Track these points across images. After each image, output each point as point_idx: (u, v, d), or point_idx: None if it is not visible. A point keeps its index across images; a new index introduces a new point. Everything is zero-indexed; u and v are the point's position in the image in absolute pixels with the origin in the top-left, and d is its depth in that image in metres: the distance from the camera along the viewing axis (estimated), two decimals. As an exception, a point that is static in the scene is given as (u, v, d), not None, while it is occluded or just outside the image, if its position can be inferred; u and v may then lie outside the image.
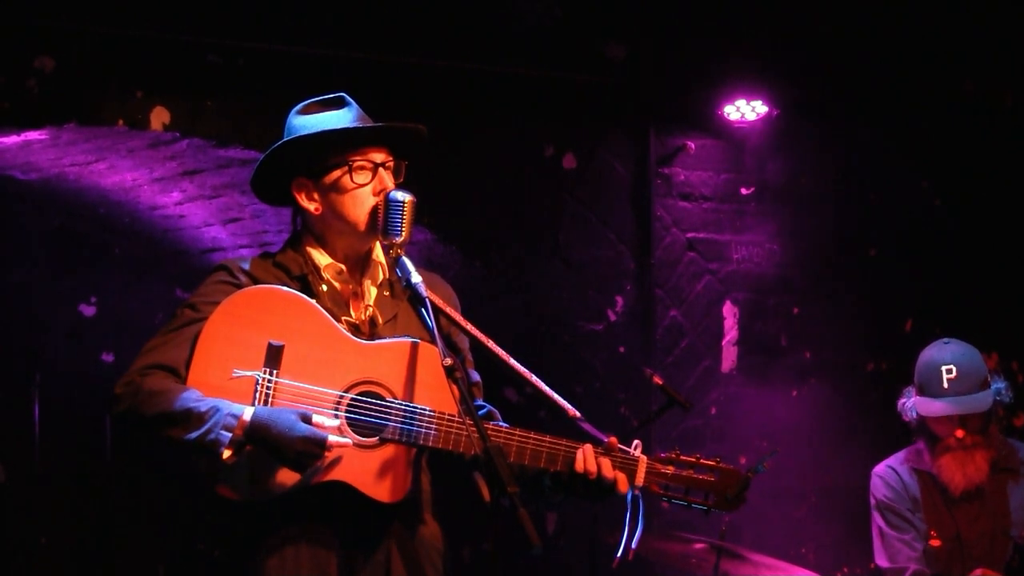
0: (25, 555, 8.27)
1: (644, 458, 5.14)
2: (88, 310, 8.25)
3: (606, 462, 5.10)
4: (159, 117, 6.88)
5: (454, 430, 5.10)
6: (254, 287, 5.15)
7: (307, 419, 4.88)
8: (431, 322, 5.02)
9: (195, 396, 4.95)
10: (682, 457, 5.17)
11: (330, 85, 6.02)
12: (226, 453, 4.83)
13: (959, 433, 6.88)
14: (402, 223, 5.09)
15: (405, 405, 5.07)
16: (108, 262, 8.17)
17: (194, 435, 4.89)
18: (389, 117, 5.23)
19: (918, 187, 8.42)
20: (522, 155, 7.75)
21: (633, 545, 5.12)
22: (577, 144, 7.89)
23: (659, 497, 5.14)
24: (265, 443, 4.87)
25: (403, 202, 5.08)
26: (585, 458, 5.07)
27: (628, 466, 5.12)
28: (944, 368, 6.85)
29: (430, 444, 5.08)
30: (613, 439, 5.09)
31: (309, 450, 4.86)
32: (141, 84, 6.87)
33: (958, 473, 6.89)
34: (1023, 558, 6.53)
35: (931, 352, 6.95)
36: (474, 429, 4.89)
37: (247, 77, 6.94)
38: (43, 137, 6.91)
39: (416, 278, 5.11)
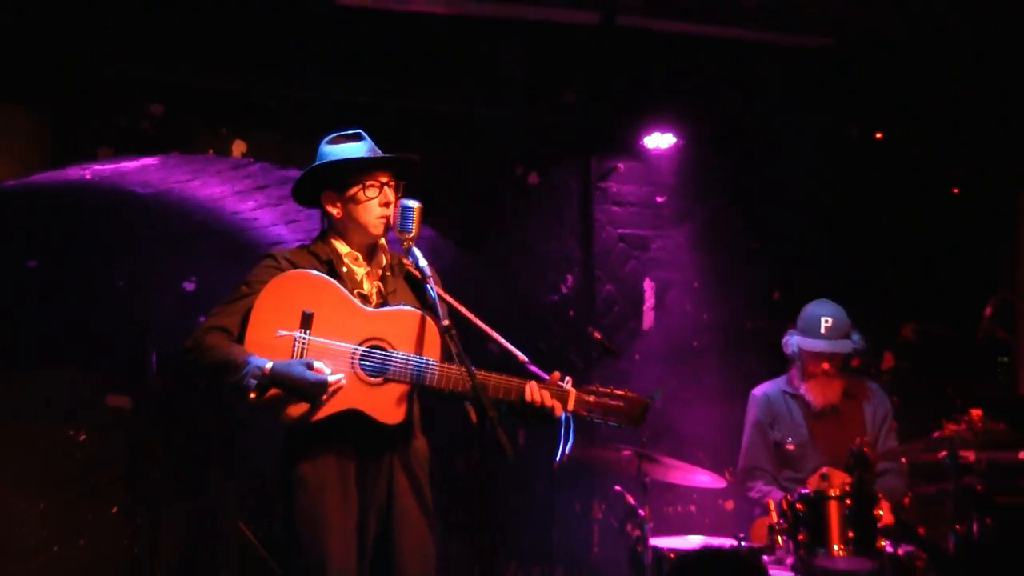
0: (146, 461, 8.29)
1: (573, 390, 5.27)
2: (189, 286, 8.28)
3: (546, 393, 5.25)
4: (238, 147, 6.97)
5: (449, 373, 5.23)
6: (293, 271, 5.38)
7: (310, 366, 5.10)
8: (434, 294, 5.22)
9: (237, 351, 5.20)
10: (600, 389, 5.29)
11: (352, 122, 6.38)
12: (252, 395, 5.10)
13: (825, 366, 7.19)
14: (412, 223, 5.37)
15: (411, 356, 5.27)
16: (202, 252, 8.19)
17: (232, 380, 5.16)
18: (398, 148, 5.60)
19: (787, 196, 8.39)
20: (499, 174, 7.81)
21: (567, 451, 5.27)
22: (539, 165, 7.93)
23: (584, 418, 5.28)
24: (284, 385, 5.11)
25: (413, 208, 5.35)
26: (531, 391, 5.22)
27: (561, 396, 5.27)
28: (823, 318, 7.13)
29: (433, 384, 5.26)
30: (555, 374, 5.35)
31: (313, 388, 5.09)
32: (225, 123, 6.96)
33: (820, 395, 7.23)
34: (856, 459, 6.56)
35: (814, 306, 7.23)
36: (465, 372, 5.16)
37: (296, 117, 6.99)
38: (155, 162, 6.98)
39: (423, 262, 5.31)
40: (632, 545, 6.75)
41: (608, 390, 5.36)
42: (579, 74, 7.86)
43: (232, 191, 7.62)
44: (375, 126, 6.96)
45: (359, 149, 5.42)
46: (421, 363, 5.23)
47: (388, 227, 5.40)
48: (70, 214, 7.91)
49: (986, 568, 1.82)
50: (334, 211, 5.44)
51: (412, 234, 5.29)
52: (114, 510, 8.28)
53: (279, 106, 7.09)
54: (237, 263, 7.47)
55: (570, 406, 5.24)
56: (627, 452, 6.80)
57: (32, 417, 8.05)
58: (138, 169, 7.15)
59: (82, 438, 8.21)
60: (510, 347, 5.43)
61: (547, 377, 5.29)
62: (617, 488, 7.05)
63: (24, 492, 7.99)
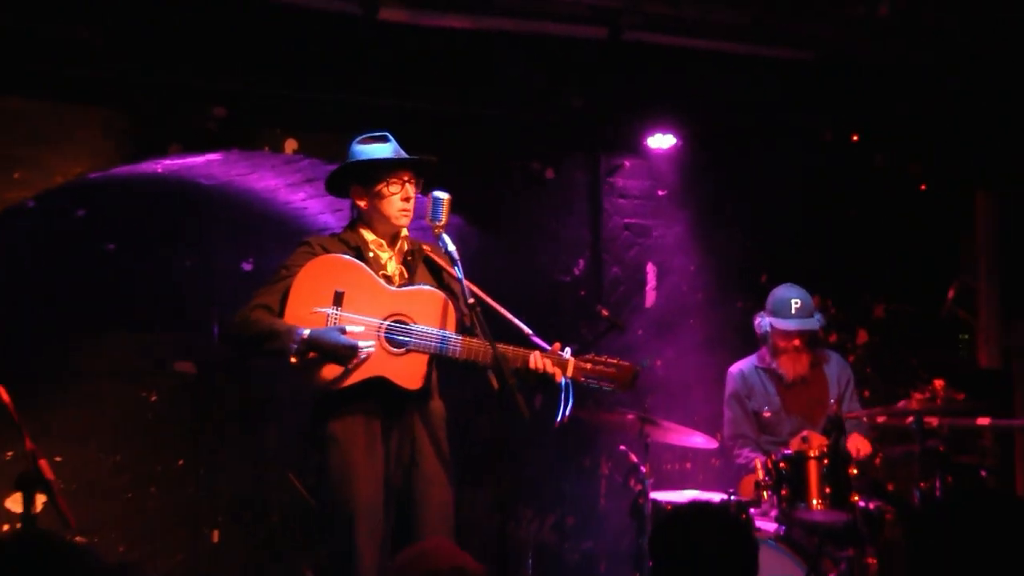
0: (208, 419, 8.34)
1: (572, 359, 5.48)
2: (247, 266, 8.27)
3: (548, 361, 5.44)
4: (290, 145, 7.00)
5: (468, 345, 5.40)
6: (326, 255, 5.55)
7: (343, 331, 5.28)
8: (461, 275, 5.43)
9: (279, 323, 5.39)
10: (596, 358, 5.51)
11: (389, 123, 6.53)
12: (292, 359, 5.29)
13: (796, 342, 7.21)
14: (442, 213, 5.55)
15: (433, 330, 5.44)
16: (259, 236, 8.21)
17: (274, 346, 5.35)
18: (430, 147, 5.77)
19: (772, 191, 8.42)
20: (519, 169, 7.84)
21: (567, 413, 5.47)
22: (555, 162, 7.96)
23: (582, 383, 5.48)
24: (320, 349, 5.29)
25: (443, 199, 5.51)
26: (535, 359, 5.42)
27: (561, 364, 5.47)
28: (793, 301, 7.15)
29: (457, 356, 5.41)
30: (556, 345, 5.52)
31: (346, 350, 5.27)
32: (278, 124, 7.00)
33: (791, 368, 7.25)
34: (832, 424, 6.61)
35: (783, 290, 7.24)
36: (480, 343, 5.36)
37: (341, 118, 7.01)
38: (218, 158, 7.02)
39: (451, 247, 5.50)
40: (634, 498, 6.72)
41: (603, 359, 5.52)
42: (589, 82, 7.81)
43: (285, 183, 7.63)
44: (410, 127, 7.14)
45: (385, 150, 5.56)
46: (444, 336, 5.40)
47: (409, 218, 5.57)
48: (144, 203, 7.94)
49: (946, 520, 1.86)
50: (361, 204, 5.60)
51: (442, 222, 5.45)
52: (180, 462, 8.32)
53: (326, 108, 7.13)
54: (289, 246, 7.51)
55: (569, 373, 5.44)
56: (631, 416, 6.82)
57: (110, 379, 8.10)
58: (203, 164, 7.18)
59: (153, 399, 8.26)
60: (516, 321, 5.60)
61: (549, 348, 5.48)
62: (622, 447, 7.04)
63: (103, 445, 8.04)
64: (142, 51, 6.54)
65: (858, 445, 6.85)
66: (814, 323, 7.14)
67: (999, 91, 8.37)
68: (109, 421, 8.07)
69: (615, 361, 5.50)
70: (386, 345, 5.38)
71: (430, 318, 5.45)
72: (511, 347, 5.40)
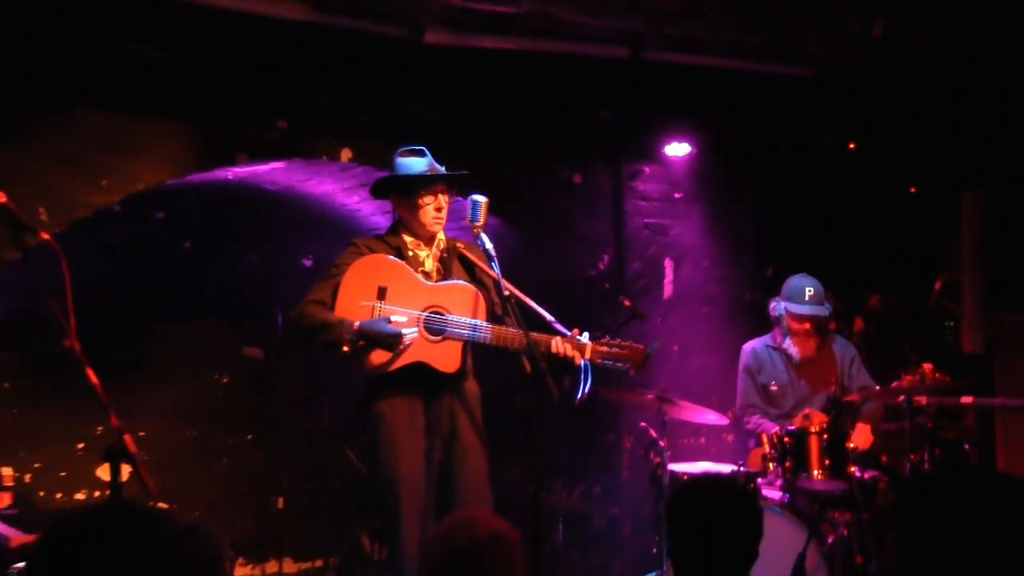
0: (273, 398, 8.36)
1: (589, 343, 5.53)
2: (307, 262, 8.29)
3: (568, 346, 5.49)
4: (345, 154, 6.99)
5: (497, 332, 5.49)
6: (371, 255, 5.68)
7: (389, 321, 5.42)
8: (497, 270, 5.48)
9: (331, 316, 5.52)
10: (611, 341, 5.56)
11: (435, 135, 6.66)
12: (345, 348, 5.44)
13: (807, 326, 7.18)
14: (480, 214, 5.61)
15: (466, 319, 5.53)
16: (317, 235, 8.23)
17: (328, 337, 5.49)
18: (470, 155, 6.06)
19: (777, 193, 8.40)
20: (550, 175, 7.83)
21: (586, 392, 5.49)
22: (581, 168, 7.94)
23: (599, 364, 5.52)
24: (368, 337, 5.43)
25: (481, 202, 5.59)
26: (556, 344, 5.48)
27: (580, 347, 5.51)
28: (807, 288, 7.13)
29: (487, 342, 5.51)
30: (575, 331, 5.57)
31: (392, 338, 5.41)
32: (335, 135, 6.99)
33: (801, 349, 7.25)
34: (832, 403, 6.59)
35: (798, 279, 7.19)
36: (508, 330, 5.48)
37: (391, 129, 7.01)
38: (281, 166, 7.02)
39: (488, 244, 5.57)
40: (653, 469, 6.76)
41: (617, 342, 5.58)
42: (613, 96, 7.80)
43: (340, 188, 7.61)
44: (452, 137, 7.18)
45: (421, 164, 5.64)
46: (475, 324, 5.49)
47: (442, 224, 5.68)
48: (216, 206, 7.96)
49: (933, 491, 1.85)
50: (401, 211, 5.74)
51: (480, 223, 5.53)
52: (249, 436, 8.35)
53: (378, 121, 7.12)
54: (344, 245, 7.53)
55: (587, 355, 5.49)
56: (650, 396, 6.79)
57: (187, 363, 8.13)
58: (267, 171, 7.17)
59: (224, 380, 8.28)
60: (541, 310, 5.62)
61: (568, 333, 5.52)
62: (642, 424, 7.04)
63: (181, 421, 8.06)
64: (213, 71, 6.57)
65: (862, 438, 6.83)
66: (824, 310, 7.10)
67: (983, 102, 8.32)
68: (186, 400, 8.11)
69: (628, 344, 5.54)
70: (425, 334, 5.51)
71: (463, 309, 5.56)
72: (535, 333, 5.44)
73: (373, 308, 5.49)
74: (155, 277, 7.89)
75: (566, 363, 5.46)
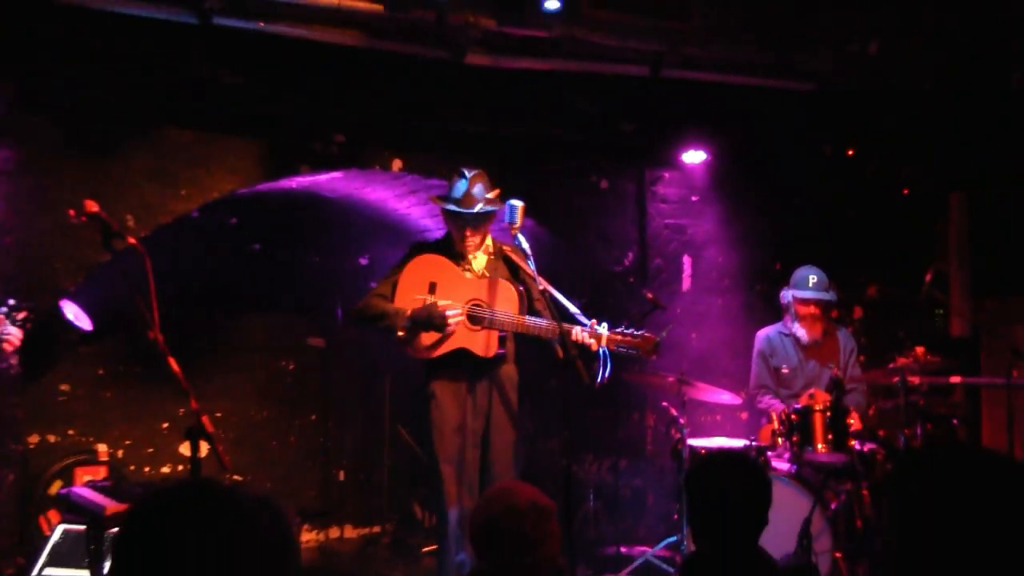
0: (334, 383, 8.39)
1: (606, 333, 5.52)
2: (363, 261, 8.32)
3: (587, 334, 5.50)
4: (396, 164, 7.00)
5: (529, 323, 5.57)
6: (425, 255, 5.84)
7: (437, 305, 5.60)
8: (532, 265, 5.53)
9: (390, 307, 5.72)
10: (625, 331, 5.54)
11: (478, 146, 7.06)
12: (400, 333, 5.63)
13: (812, 309, 7.04)
14: (517, 217, 5.64)
15: (503, 312, 5.62)
16: (372, 237, 8.25)
17: (387, 324, 5.70)
18: (508, 166, 5.75)
19: (784, 195, 8.35)
20: (581, 181, 7.80)
21: (606, 376, 5.46)
22: (608, 175, 7.90)
23: (615, 351, 5.50)
24: (420, 321, 5.61)
25: (517, 206, 5.62)
26: (576, 332, 5.50)
27: (597, 336, 5.52)
28: (811, 276, 7.04)
29: (522, 331, 5.61)
30: (594, 321, 5.56)
31: (441, 320, 5.56)
32: (387, 147, 7.01)
33: (808, 332, 7.09)
34: (834, 385, 6.55)
35: (803, 269, 7.11)
36: (552, 322, 5.52)
37: (437, 142, 7.02)
38: (339, 175, 7.04)
39: (525, 244, 5.61)
40: (674, 444, 6.72)
41: (631, 331, 5.58)
42: (635, 110, 7.77)
43: (393, 195, 7.63)
44: (489, 148, 7.16)
45: (461, 187, 5.70)
46: (510, 316, 5.58)
47: (474, 247, 5.74)
48: (281, 212, 8.01)
49: (924, 463, 1.85)
50: (447, 226, 5.86)
51: (517, 224, 5.56)
52: (313, 417, 8.40)
53: (424, 135, 7.13)
54: (396, 245, 7.55)
55: (603, 343, 5.48)
56: (671, 378, 6.76)
57: (257, 352, 8.18)
58: (328, 180, 7.23)
59: (291, 367, 8.33)
60: (566, 302, 5.62)
61: (588, 323, 5.52)
62: (664, 404, 7.04)
63: (253, 404, 8.13)
64: (279, 92, 6.62)
65: (854, 424, 6.76)
66: (827, 296, 7.01)
67: (969, 112, 8.26)
68: (257, 385, 8.18)
69: (640, 333, 5.54)
70: (467, 323, 5.63)
71: (502, 303, 5.66)
72: (555, 323, 5.48)
73: (424, 300, 5.64)
74: (228, 276, 7.98)
75: (585, 349, 5.46)
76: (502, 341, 5.66)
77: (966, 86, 8.05)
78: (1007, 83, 7.99)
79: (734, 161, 8.25)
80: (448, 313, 5.56)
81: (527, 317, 5.60)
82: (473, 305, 5.66)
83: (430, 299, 5.64)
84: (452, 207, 5.69)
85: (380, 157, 7.02)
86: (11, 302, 4.89)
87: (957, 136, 8.52)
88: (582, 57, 7.14)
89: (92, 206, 4.35)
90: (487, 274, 5.79)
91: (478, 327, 5.62)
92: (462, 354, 5.63)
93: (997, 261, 8.69)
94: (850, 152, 8.68)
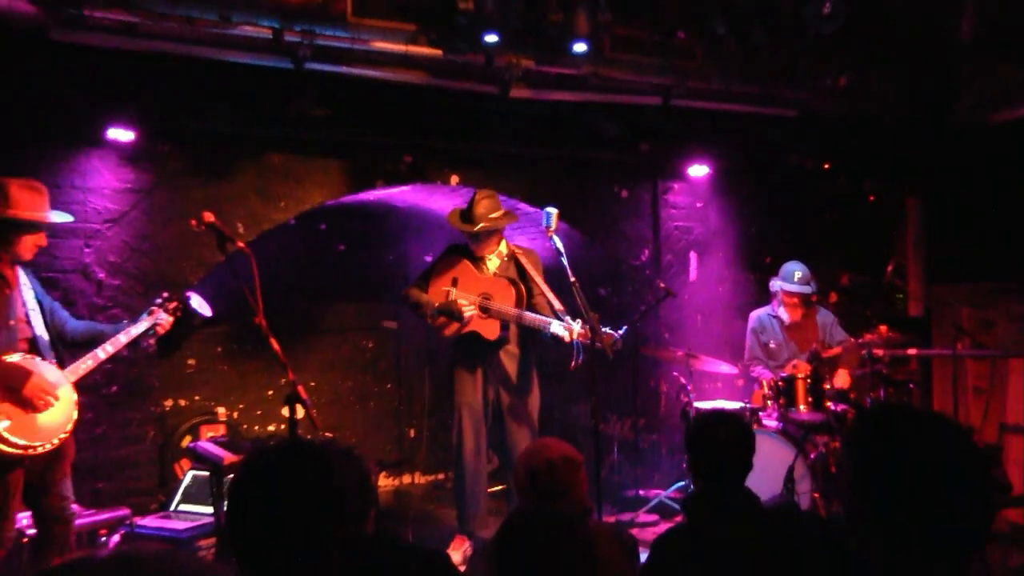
0: (405, 357, 8.43)
1: (577, 328, 5.27)
2: (428, 258, 8.26)
3: (562, 328, 5.36)
4: (454, 179, 7.02)
5: (523, 316, 5.64)
6: (452, 256, 6.01)
7: (457, 301, 5.78)
8: (566, 262, 5.38)
9: (424, 296, 5.92)
10: (591, 329, 5.20)
11: (517, 167, 6.96)
12: (429, 319, 5.86)
13: (795, 300, 6.96)
14: (552, 221, 5.55)
15: (505, 305, 5.70)
16: (435, 239, 8.25)
17: (420, 311, 5.95)
18: (547, 179, 5.64)
19: (772, 202, 8.31)
20: (604, 191, 7.79)
21: (579, 361, 5.25)
22: (628, 186, 7.87)
23: (584, 344, 5.23)
24: (444, 311, 5.80)
25: (552, 213, 5.56)
26: (555, 326, 5.42)
27: (570, 330, 5.32)
28: (796, 272, 6.95)
29: (524, 323, 5.64)
30: (568, 319, 5.38)
31: (459, 313, 5.75)
32: (446, 165, 7.00)
33: (791, 315, 7.01)
34: (814, 357, 6.53)
35: (791, 264, 7.03)
36: (541, 317, 5.56)
37: (488, 161, 7.03)
38: (408, 189, 7.06)
39: (559, 244, 5.48)
40: (683, 407, 6.76)
41: (596, 330, 5.16)
42: (650, 132, 7.72)
43: (451, 205, 7.66)
44: (530, 166, 7.07)
45: (470, 206, 5.80)
46: (510, 309, 5.68)
47: (489, 251, 5.86)
48: (361, 219, 8.04)
49: (888, 416, 1.85)
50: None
51: (553, 228, 5.49)
52: (388, 385, 8.43)
53: (476, 155, 7.12)
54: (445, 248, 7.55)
55: (574, 336, 5.28)
56: (680, 353, 6.80)
57: (342, 333, 8.21)
58: (398, 193, 7.23)
59: (370, 345, 8.37)
60: (553, 299, 5.54)
61: (566, 319, 5.35)
62: (674, 373, 7.08)
63: (339, 375, 8.16)
64: (358, 121, 6.64)
65: (842, 380, 6.73)
66: (809, 288, 6.95)
67: (922, 132, 8.17)
68: (342, 359, 8.22)
69: (602, 331, 5.21)
70: (478, 312, 5.80)
71: (503, 299, 5.76)
72: (540, 317, 5.52)
73: (448, 292, 5.86)
74: (319, 271, 8.02)
75: (558, 340, 5.36)
76: (505, 327, 5.78)
77: (920, 111, 8.02)
78: (953, 108, 7.94)
79: (732, 174, 8.21)
80: (464, 309, 5.75)
81: (525, 312, 5.63)
82: (483, 299, 5.80)
83: (452, 291, 5.84)
84: (458, 225, 5.82)
85: (440, 174, 7.02)
86: (164, 294, 4.93)
87: (913, 152, 8.47)
88: (606, 90, 7.09)
89: (209, 217, 4.40)
90: (498, 274, 5.88)
91: (486, 315, 5.77)
92: (475, 336, 5.79)
93: (946, 254, 8.63)
94: (826, 166, 8.61)
